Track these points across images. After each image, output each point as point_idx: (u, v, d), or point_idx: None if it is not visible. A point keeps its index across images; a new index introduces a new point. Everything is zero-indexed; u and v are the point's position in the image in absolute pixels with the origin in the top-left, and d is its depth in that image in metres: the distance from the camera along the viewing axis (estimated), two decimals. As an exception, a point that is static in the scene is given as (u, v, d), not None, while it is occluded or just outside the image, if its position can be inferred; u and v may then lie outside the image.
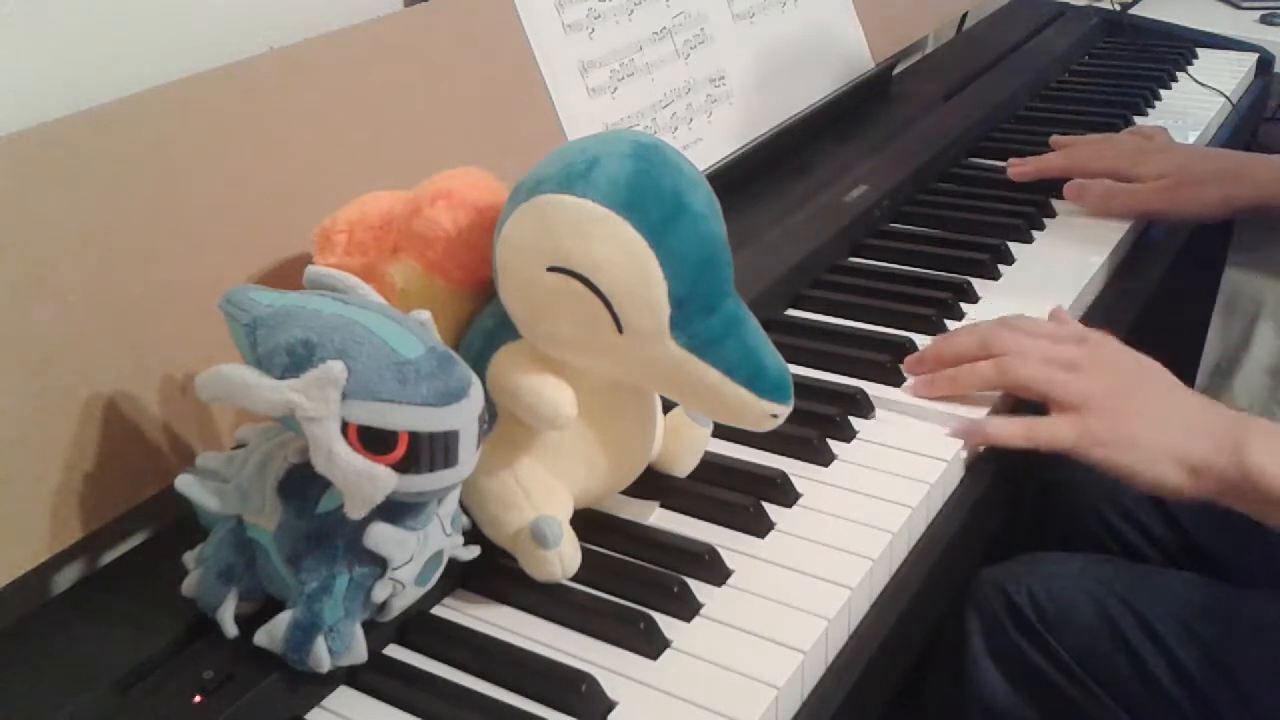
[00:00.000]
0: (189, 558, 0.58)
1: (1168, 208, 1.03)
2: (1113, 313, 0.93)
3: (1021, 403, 0.78)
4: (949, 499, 0.71)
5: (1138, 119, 1.26)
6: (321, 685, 0.55)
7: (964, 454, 0.73)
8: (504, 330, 0.59)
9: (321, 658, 0.53)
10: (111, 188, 0.64)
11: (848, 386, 0.78)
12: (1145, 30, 1.55)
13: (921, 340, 0.84)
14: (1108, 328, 0.83)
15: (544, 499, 0.60)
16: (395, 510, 0.52)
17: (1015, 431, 0.74)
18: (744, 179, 1.02)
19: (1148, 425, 0.73)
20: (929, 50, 1.51)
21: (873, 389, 0.78)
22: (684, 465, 0.68)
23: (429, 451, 0.50)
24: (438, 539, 0.56)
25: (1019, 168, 1.10)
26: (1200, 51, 1.47)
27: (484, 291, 0.62)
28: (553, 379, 0.57)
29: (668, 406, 0.68)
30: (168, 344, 0.65)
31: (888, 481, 0.69)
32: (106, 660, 0.55)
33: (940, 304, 0.88)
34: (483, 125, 0.86)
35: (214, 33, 0.77)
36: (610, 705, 0.54)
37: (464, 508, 0.60)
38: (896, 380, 0.80)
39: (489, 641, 0.58)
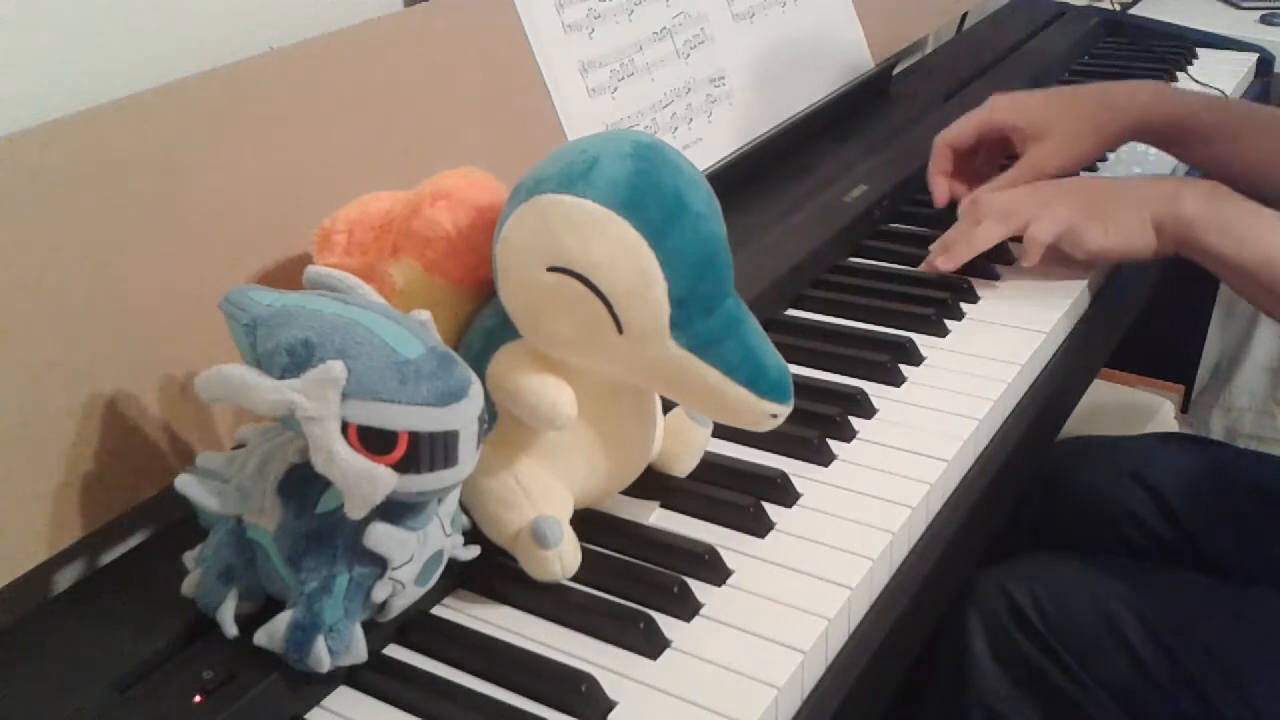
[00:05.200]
0: (189, 558, 0.58)
1: (1052, 159, 0.95)
2: (1112, 312, 0.93)
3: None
4: (949, 499, 0.71)
5: (1138, 119, 1.25)
6: (321, 685, 0.55)
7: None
8: (504, 330, 0.59)
9: (321, 658, 0.53)
10: (111, 188, 0.64)
11: (848, 386, 0.78)
12: (1145, 30, 1.55)
13: (921, 340, 0.84)
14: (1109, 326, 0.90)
15: (544, 499, 0.60)
16: (395, 510, 0.52)
17: (999, 230, 0.88)
18: (744, 179, 1.02)
19: (1110, 208, 0.86)
20: (929, 50, 1.51)
21: (873, 389, 0.78)
22: (684, 465, 0.68)
23: (429, 451, 0.50)
24: (438, 539, 0.55)
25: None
26: (1200, 51, 1.47)
27: (484, 291, 0.62)
28: (553, 379, 0.57)
29: (668, 406, 0.68)
30: (168, 344, 0.65)
31: (888, 481, 0.69)
32: (106, 660, 0.55)
33: (940, 304, 0.88)
34: (483, 125, 0.86)
35: (214, 33, 0.77)
36: (610, 705, 0.54)
37: (464, 508, 0.60)
38: (897, 380, 0.80)
39: (489, 641, 0.58)
